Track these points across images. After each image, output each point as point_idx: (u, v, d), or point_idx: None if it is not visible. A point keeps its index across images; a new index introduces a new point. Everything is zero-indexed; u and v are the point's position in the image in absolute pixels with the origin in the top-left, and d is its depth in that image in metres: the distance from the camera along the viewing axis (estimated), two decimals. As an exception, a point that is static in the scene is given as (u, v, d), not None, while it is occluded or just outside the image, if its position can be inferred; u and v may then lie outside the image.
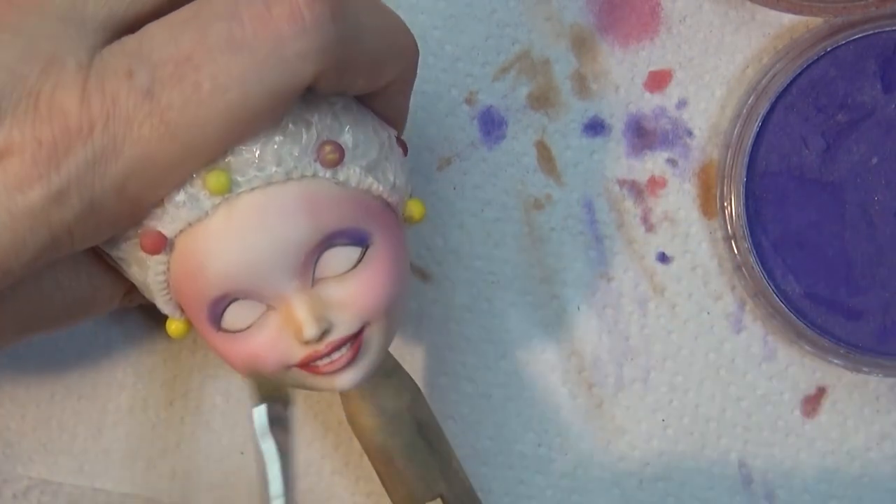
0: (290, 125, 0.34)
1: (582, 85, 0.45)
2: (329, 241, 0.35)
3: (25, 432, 0.45)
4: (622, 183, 0.45)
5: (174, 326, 0.37)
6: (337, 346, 0.36)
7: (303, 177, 0.34)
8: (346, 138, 0.35)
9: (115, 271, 0.38)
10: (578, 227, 0.45)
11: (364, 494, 0.45)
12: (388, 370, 0.40)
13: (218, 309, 0.35)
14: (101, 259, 0.37)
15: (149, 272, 0.35)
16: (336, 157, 0.34)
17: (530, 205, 0.45)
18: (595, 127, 0.45)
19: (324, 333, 0.35)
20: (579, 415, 0.45)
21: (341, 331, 0.36)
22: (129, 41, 0.33)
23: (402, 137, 0.39)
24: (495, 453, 0.45)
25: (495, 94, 0.45)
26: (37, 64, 0.32)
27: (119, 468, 0.45)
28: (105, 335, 0.45)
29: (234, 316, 0.35)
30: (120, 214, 0.34)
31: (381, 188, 0.36)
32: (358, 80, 0.35)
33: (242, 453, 0.45)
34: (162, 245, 0.34)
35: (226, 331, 0.36)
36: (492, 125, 0.45)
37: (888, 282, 0.44)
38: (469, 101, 0.45)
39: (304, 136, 0.34)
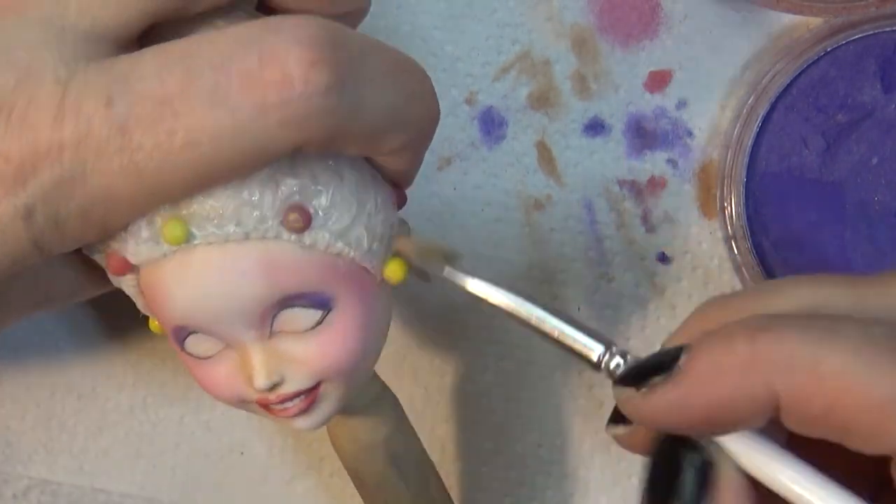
0: (256, 187, 0.32)
1: (582, 85, 0.45)
2: (286, 302, 0.34)
3: (25, 432, 0.45)
4: (622, 183, 0.45)
5: (155, 324, 0.37)
6: (288, 398, 0.35)
7: (264, 237, 0.33)
8: (321, 200, 0.33)
9: None
10: (578, 228, 0.45)
11: (364, 495, 0.45)
12: (370, 401, 0.39)
13: (180, 335, 0.35)
14: None
15: (121, 283, 0.35)
16: (301, 226, 0.33)
17: (530, 205, 0.45)
18: (595, 127, 0.45)
19: (276, 385, 0.35)
20: (579, 415, 0.45)
21: (294, 385, 0.35)
22: (119, 63, 0.31)
23: (403, 193, 0.38)
24: (496, 454, 0.45)
25: (495, 94, 0.45)
26: (12, 74, 0.31)
27: (119, 468, 0.45)
28: (105, 335, 0.45)
29: (196, 345, 0.35)
30: (86, 235, 0.33)
31: (352, 254, 0.34)
32: (350, 150, 0.33)
33: (242, 453, 0.45)
34: (126, 269, 0.34)
35: (189, 354, 0.35)
36: (492, 125, 0.45)
37: (888, 282, 0.44)
38: (469, 102, 0.45)
39: (269, 198, 0.33)
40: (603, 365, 0.32)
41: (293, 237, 0.33)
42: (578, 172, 0.45)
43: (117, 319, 0.45)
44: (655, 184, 0.45)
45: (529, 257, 0.45)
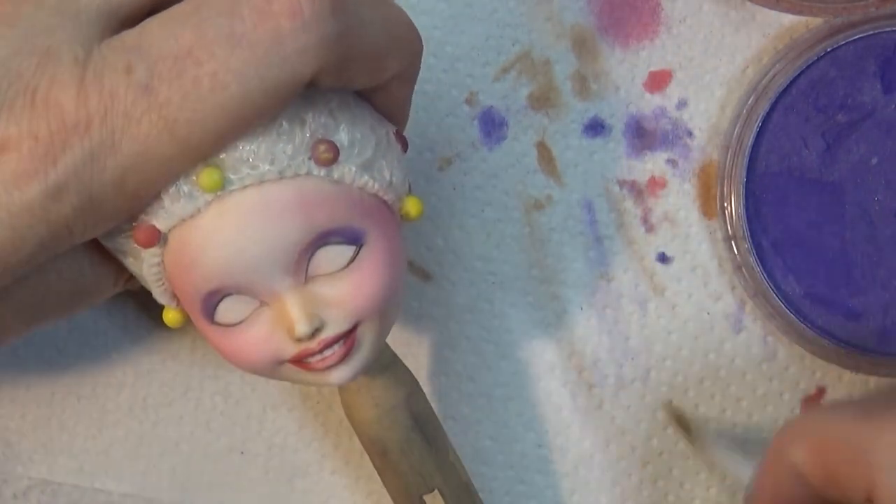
0: (285, 123, 0.34)
1: (582, 85, 0.45)
2: (322, 239, 0.35)
3: (25, 432, 0.45)
4: (622, 183, 0.45)
5: (171, 316, 0.37)
6: (329, 344, 0.36)
7: (296, 175, 0.34)
8: (342, 136, 0.35)
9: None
10: (578, 228, 0.45)
11: (364, 494, 0.45)
12: (386, 363, 0.40)
13: (211, 303, 0.35)
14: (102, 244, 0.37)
15: (143, 264, 0.35)
16: (330, 157, 0.34)
17: (531, 205, 0.45)
18: (595, 127, 0.45)
19: (316, 331, 0.35)
20: (579, 415, 0.45)
21: (333, 329, 0.35)
22: (129, 36, 0.33)
23: (403, 136, 0.39)
24: (495, 453, 0.45)
25: (496, 94, 0.45)
26: (33, 58, 0.32)
27: (119, 468, 0.45)
28: (105, 335, 0.45)
29: (228, 310, 0.35)
30: (118, 209, 0.33)
31: (376, 186, 0.36)
32: (359, 76, 0.35)
33: (242, 453, 0.45)
34: (155, 239, 0.34)
35: (219, 324, 0.36)
36: (492, 126, 0.45)
37: (888, 282, 0.44)
38: (469, 102, 0.45)
39: (298, 135, 0.34)
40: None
41: (323, 172, 0.34)
42: (578, 173, 0.45)
43: (117, 319, 0.45)
44: (655, 184, 0.45)
45: (529, 257, 0.45)
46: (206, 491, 0.45)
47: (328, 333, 0.35)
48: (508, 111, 0.45)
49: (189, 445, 0.45)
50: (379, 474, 0.41)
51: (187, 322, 0.37)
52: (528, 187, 0.45)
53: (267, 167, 0.34)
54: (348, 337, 0.36)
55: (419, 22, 0.44)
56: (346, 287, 0.35)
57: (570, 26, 0.45)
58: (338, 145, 0.34)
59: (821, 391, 0.45)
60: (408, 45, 0.36)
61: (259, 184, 0.34)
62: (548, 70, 0.45)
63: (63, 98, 0.32)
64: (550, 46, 0.45)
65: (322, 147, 0.34)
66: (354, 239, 0.35)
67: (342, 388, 0.40)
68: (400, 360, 0.41)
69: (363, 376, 0.38)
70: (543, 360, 0.45)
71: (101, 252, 0.37)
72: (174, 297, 0.36)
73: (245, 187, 0.34)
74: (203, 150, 0.33)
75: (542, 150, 0.45)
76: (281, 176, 0.34)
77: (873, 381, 0.45)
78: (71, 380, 0.45)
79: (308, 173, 0.34)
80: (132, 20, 0.33)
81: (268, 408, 0.45)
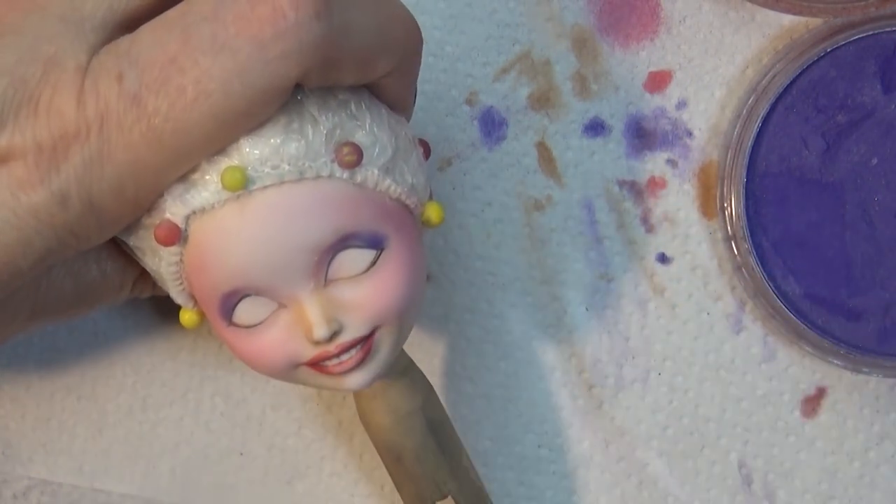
0: (308, 125, 0.34)
1: (582, 86, 0.45)
2: (343, 242, 0.35)
3: (25, 432, 0.45)
4: (622, 183, 0.45)
5: (187, 317, 0.37)
6: (347, 348, 0.35)
7: (318, 177, 0.34)
8: (362, 137, 0.35)
9: (123, 256, 0.38)
10: (579, 228, 0.45)
11: (363, 496, 0.45)
12: (402, 369, 0.40)
13: (229, 304, 0.35)
14: (110, 244, 0.37)
15: (162, 262, 0.35)
16: (354, 159, 0.34)
17: (531, 206, 0.45)
18: (595, 127, 0.45)
19: (334, 334, 0.35)
20: (579, 416, 0.45)
21: (352, 333, 0.35)
22: (122, 42, 0.33)
23: (425, 142, 0.39)
24: (495, 454, 0.45)
25: (496, 94, 0.45)
26: (37, 67, 0.32)
27: (119, 468, 0.45)
28: (104, 335, 0.45)
29: (246, 311, 0.35)
30: (121, 215, 0.34)
31: (398, 190, 0.35)
32: (347, 75, 0.34)
33: (241, 454, 0.45)
34: (176, 237, 0.34)
35: (237, 325, 0.36)
36: (492, 126, 0.45)
37: (888, 282, 0.44)
38: (469, 102, 0.45)
39: (320, 136, 0.34)
40: None
41: (345, 175, 0.34)
42: (578, 173, 0.45)
43: (117, 320, 0.45)
44: (655, 184, 0.45)
45: (529, 257, 0.45)
46: (206, 492, 0.45)
47: (346, 337, 0.35)
48: (508, 111, 0.45)
49: (189, 446, 0.45)
50: (393, 480, 0.41)
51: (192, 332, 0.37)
52: (528, 187, 0.45)
53: (287, 167, 0.33)
54: (366, 341, 0.36)
55: (419, 22, 0.44)
56: (365, 291, 0.35)
57: (570, 26, 0.45)
58: (361, 148, 0.34)
59: (821, 391, 0.45)
60: (402, 44, 0.36)
61: (280, 184, 0.34)
62: (548, 70, 0.45)
63: (64, 105, 0.32)
64: (550, 46, 0.45)
65: (346, 149, 0.34)
66: (375, 243, 0.35)
67: (358, 394, 0.40)
68: (416, 366, 0.41)
69: (379, 382, 0.38)
70: (543, 360, 0.45)
71: (110, 251, 0.38)
72: (191, 297, 0.36)
73: (266, 187, 0.34)
74: (193, 157, 0.33)
75: (542, 150, 0.45)
76: (301, 176, 0.34)
77: (873, 382, 0.45)
78: (71, 380, 0.45)
79: (331, 175, 0.34)
80: (136, 25, 0.33)
81: (267, 409, 0.45)
